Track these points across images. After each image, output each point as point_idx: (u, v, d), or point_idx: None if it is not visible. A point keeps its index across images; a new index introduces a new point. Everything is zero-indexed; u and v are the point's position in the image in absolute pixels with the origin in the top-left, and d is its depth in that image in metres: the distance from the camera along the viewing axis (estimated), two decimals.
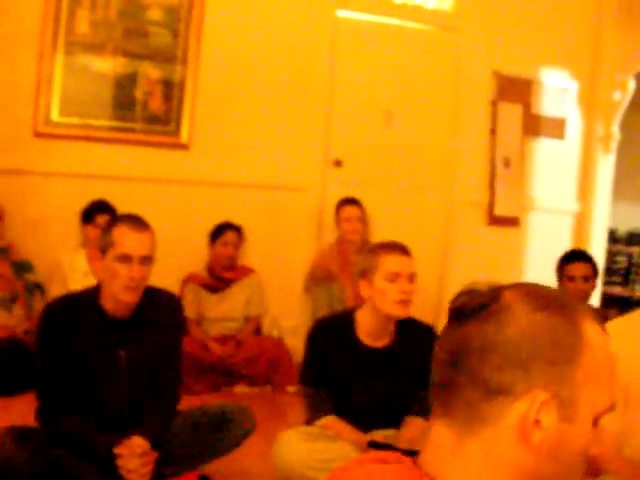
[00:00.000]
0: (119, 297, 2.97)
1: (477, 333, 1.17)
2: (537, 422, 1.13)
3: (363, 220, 5.57)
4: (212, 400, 4.70)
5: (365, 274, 3.25)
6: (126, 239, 2.95)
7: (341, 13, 6.09)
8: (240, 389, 5.16)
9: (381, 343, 3.31)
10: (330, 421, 3.25)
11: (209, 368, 5.04)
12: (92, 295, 3.08)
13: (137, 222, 3.01)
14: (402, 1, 6.28)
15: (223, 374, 5.15)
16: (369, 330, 3.30)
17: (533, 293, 1.20)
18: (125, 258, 2.93)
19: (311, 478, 3.07)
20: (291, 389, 5.17)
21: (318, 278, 5.53)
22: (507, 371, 1.14)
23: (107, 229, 3.02)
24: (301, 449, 3.14)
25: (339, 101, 6.08)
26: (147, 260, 2.99)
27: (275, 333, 5.62)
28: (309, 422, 3.31)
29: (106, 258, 2.98)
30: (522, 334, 1.15)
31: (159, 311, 3.15)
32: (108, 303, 3.03)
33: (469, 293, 1.22)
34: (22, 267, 3.01)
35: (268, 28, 5.86)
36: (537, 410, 1.13)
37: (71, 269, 5.11)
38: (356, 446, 3.16)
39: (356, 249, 5.44)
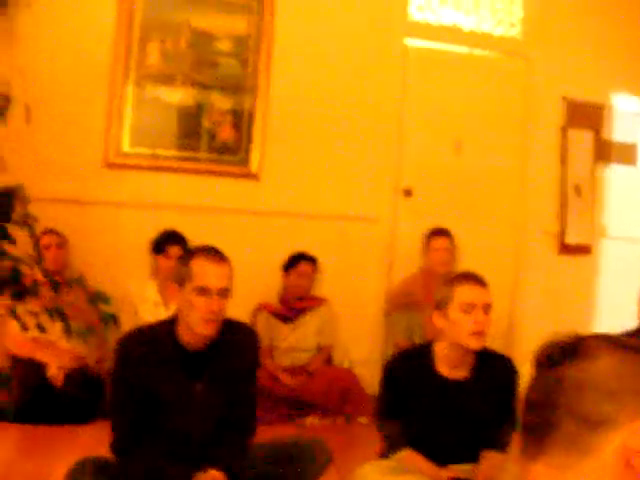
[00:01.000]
0: (197, 330, 2.94)
1: (569, 373, 1.24)
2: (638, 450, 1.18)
3: (452, 251, 5.52)
4: (283, 431, 4.67)
5: (440, 305, 3.21)
6: (205, 271, 2.92)
7: (410, 41, 6.07)
8: (311, 420, 5.11)
9: (460, 375, 3.25)
10: (407, 455, 3.18)
11: (280, 399, 5.02)
12: (168, 327, 3.05)
13: (215, 254, 2.99)
14: (470, 28, 6.25)
15: (294, 405, 5.11)
16: (447, 362, 3.23)
17: (612, 337, 1.29)
18: (204, 291, 2.90)
19: None
20: (363, 420, 5.12)
21: (400, 303, 5.51)
22: (605, 404, 1.20)
23: (185, 261, 3.00)
24: None
25: (408, 129, 6.05)
26: (225, 292, 2.96)
27: (346, 364, 5.57)
28: (385, 455, 3.25)
29: (184, 290, 2.96)
30: (612, 370, 1.22)
31: (236, 343, 3.11)
32: (185, 335, 3.01)
33: (554, 343, 1.30)
34: (98, 298, 2.99)
35: (337, 57, 5.86)
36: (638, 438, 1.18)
37: (141, 300, 5.13)
38: None
39: (441, 280, 5.35)
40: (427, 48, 6.17)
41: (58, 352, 4.94)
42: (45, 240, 4.96)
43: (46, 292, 3.18)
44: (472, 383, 3.25)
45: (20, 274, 2.99)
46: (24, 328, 3.02)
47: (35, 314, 3.04)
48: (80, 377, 4.87)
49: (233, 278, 3.00)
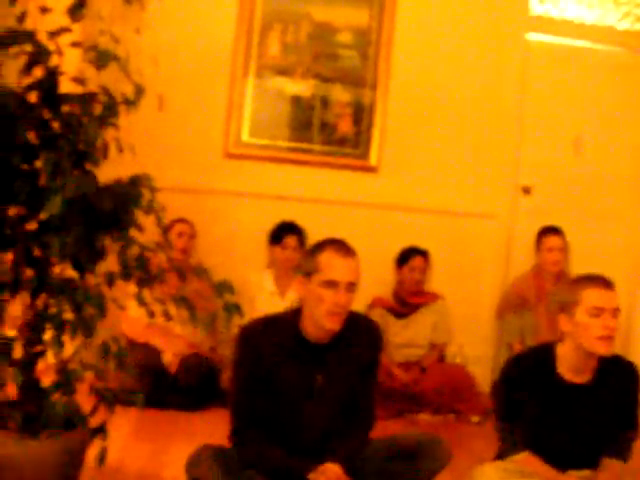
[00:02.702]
0: (322, 323, 2.93)
1: None
2: None
3: (564, 250, 5.41)
4: (395, 427, 4.65)
5: (565, 307, 3.12)
6: (333, 265, 2.91)
7: (531, 36, 5.97)
8: (423, 417, 5.07)
9: (582, 379, 3.17)
10: (525, 457, 3.13)
11: (393, 394, 4.99)
12: (292, 318, 3.06)
13: (344, 247, 2.97)
14: (593, 22, 6.10)
15: (406, 401, 5.09)
16: (570, 365, 3.16)
17: None
18: (331, 284, 2.89)
19: None
20: (475, 419, 5.07)
21: (512, 304, 5.45)
22: None
23: (312, 253, 3.00)
24: None
25: (528, 126, 5.97)
26: (353, 286, 2.94)
27: (458, 361, 5.51)
28: (502, 456, 3.19)
29: (311, 283, 2.95)
30: None
31: (359, 337, 3.09)
32: (309, 327, 3.00)
33: None
34: (224, 287, 3.02)
35: (457, 51, 5.81)
36: None
37: (258, 289, 5.18)
38: None
39: (553, 279, 5.35)
40: (548, 43, 6.06)
41: (173, 339, 5.02)
42: (178, 228, 5.07)
43: (173, 280, 3.22)
44: (594, 388, 3.17)
45: (147, 261, 3.02)
46: (151, 315, 3.05)
47: (161, 301, 3.08)
48: (194, 364, 4.93)
49: (360, 272, 2.99)
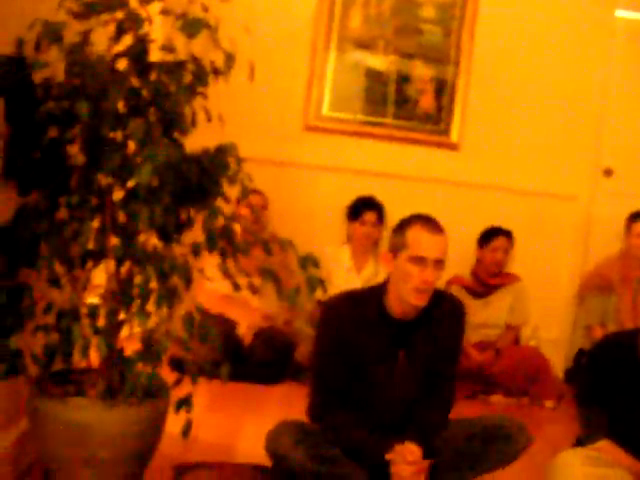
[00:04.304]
0: (408, 300, 2.90)
1: None
2: None
3: None
4: (467, 408, 4.60)
5: None
6: (421, 241, 2.88)
7: (620, 13, 5.82)
8: (496, 399, 5.04)
9: None
10: (605, 445, 3.06)
11: (466, 375, 4.92)
12: (376, 294, 3.04)
13: (432, 224, 2.93)
14: None
15: (480, 382, 5.06)
16: None
17: None
18: (419, 260, 2.86)
19: None
20: (549, 404, 5.01)
21: (595, 285, 5.37)
22: None
23: (400, 229, 2.97)
24: (580, 474, 2.96)
25: (613, 107, 5.84)
26: (440, 264, 2.91)
27: (533, 343, 5.45)
28: (582, 443, 3.13)
29: (398, 259, 2.92)
30: None
31: (443, 315, 3.07)
32: (393, 304, 2.98)
33: None
34: (309, 261, 2.99)
35: (542, 28, 5.69)
36: None
37: (335, 264, 5.15)
38: (635, 476, 2.97)
39: None
40: (637, 20, 5.89)
41: (249, 311, 5.02)
42: (250, 200, 5.03)
43: (255, 251, 3.19)
44: None
45: (232, 232, 3.00)
46: (236, 287, 3.03)
47: (247, 273, 3.06)
48: (269, 337, 4.93)
49: (448, 250, 2.94)
